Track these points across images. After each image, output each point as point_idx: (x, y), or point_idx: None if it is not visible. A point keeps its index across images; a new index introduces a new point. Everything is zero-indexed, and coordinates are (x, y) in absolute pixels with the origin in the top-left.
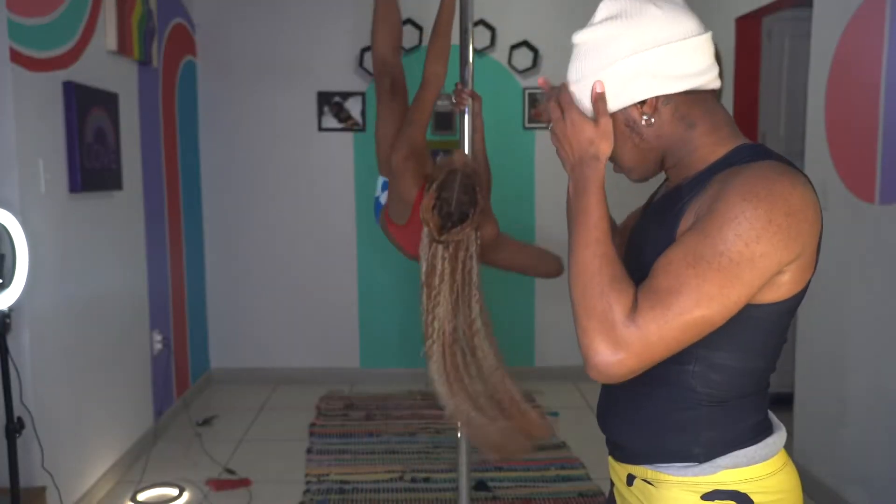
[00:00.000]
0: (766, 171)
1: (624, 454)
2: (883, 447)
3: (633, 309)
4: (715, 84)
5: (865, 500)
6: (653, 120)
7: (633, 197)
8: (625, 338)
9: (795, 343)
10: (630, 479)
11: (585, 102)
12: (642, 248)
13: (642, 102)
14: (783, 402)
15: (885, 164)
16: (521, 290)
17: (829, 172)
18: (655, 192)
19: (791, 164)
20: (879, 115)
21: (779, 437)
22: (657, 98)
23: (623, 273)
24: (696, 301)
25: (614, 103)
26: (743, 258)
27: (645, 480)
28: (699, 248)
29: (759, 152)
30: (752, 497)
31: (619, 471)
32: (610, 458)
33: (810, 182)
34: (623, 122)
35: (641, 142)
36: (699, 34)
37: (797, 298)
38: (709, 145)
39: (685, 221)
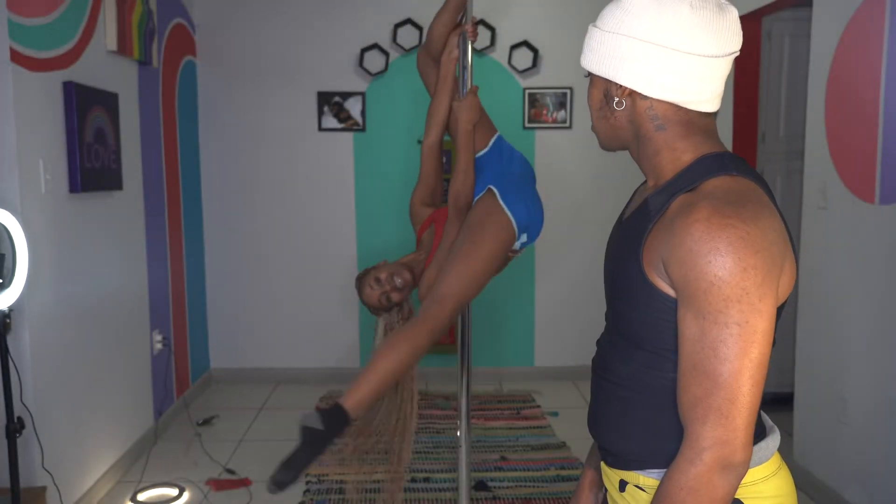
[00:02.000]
0: (711, 216)
1: (615, 460)
2: (883, 447)
3: (696, 443)
4: (705, 108)
5: (865, 500)
6: (624, 104)
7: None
8: (719, 456)
9: (795, 343)
10: (622, 485)
11: (589, 53)
12: (613, 261)
13: (620, 85)
14: (783, 402)
15: (885, 164)
16: (522, 289)
17: (829, 172)
18: (630, 202)
19: (742, 167)
20: (879, 116)
21: (772, 440)
22: (634, 90)
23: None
24: (736, 376)
25: (599, 69)
26: (745, 314)
27: (637, 486)
28: (707, 333)
29: (713, 167)
30: (746, 503)
31: (612, 476)
32: (602, 464)
33: (759, 182)
34: (602, 90)
35: (612, 117)
36: (711, 56)
37: (784, 304)
38: (672, 151)
39: (648, 254)
